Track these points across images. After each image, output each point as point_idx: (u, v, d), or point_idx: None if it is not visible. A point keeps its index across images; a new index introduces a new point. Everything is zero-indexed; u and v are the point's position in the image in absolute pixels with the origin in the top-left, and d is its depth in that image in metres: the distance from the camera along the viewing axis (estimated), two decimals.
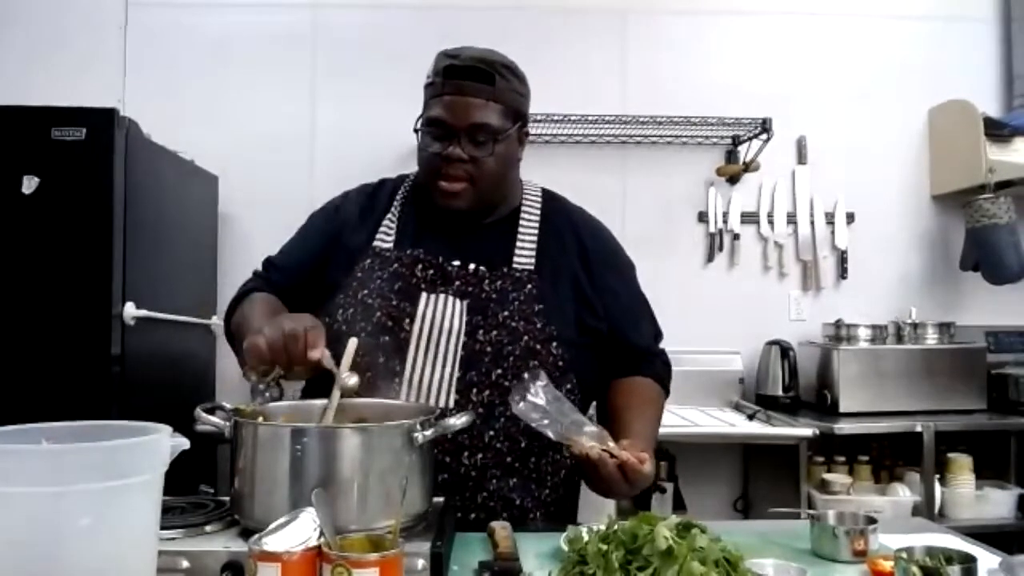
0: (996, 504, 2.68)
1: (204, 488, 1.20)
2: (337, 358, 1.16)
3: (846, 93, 3.22)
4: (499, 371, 1.27)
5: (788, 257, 3.20)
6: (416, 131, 1.37)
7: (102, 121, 2.18)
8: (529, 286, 1.33)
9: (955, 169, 3.09)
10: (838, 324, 2.93)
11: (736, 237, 3.17)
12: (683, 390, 2.95)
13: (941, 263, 3.22)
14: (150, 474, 0.79)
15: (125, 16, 3.09)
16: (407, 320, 1.28)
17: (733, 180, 3.16)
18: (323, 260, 1.40)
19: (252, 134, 3.05)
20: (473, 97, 1.31)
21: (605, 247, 1.48)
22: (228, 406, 1.10)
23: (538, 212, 1.43)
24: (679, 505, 2.69)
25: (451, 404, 1.25)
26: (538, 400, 1.15)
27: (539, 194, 1.48)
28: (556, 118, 2.90)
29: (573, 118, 2.92)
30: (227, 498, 1.08)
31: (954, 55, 3.25)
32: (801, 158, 3.21)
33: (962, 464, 2.70)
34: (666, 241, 3.16)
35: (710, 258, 3.17)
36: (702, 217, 3.18)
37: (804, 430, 2.48)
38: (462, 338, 1.28)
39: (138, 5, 3.09)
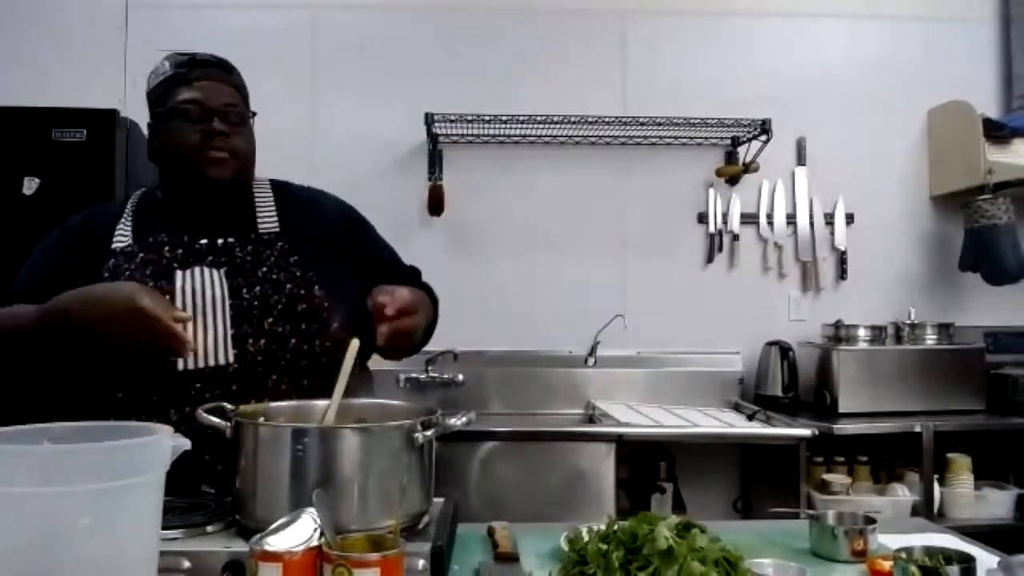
0: (995, 504, 2.69)
1: (205, 488, 1.21)
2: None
3: (846, 94, 3.22)
4: (271, 319, 1.34)
5: (788, 258, 3.20)
6: (154, 122, 1.43)
7: (103, 122, 2.19)
8: (279, 243, 1.42)
9: (954, 170, 3.09)
10: (837, 325, 2.93)
11: (736, 238, 3.17)
12: (683, 390, 3.00)
13: (940, 264, 3.22)
14: (151, 474, 0.79)
15: (125, 17, 3.09)
16: (167, 297, 1.30)
17: (733, 181, 3.17)
18: (62, 283, 1.37)
19: None
20: (220, 83, 1.41)
21: (339, 211, 1.57)
22: (229, 407, 1.10)
23: (269, 190, 1.51)
24: (679, 505, 2.70)
25: (231, 359, 1.31)
26: None
27: (266, 179, 1.56)
28: (556, 119, 2.91)
29: (573, 119, 2.92)
30: (228, 498, 1.08)
31: (954, 56, 3.26)
32: (800, 159, 3.22)
33: (961, 464, 2.70)
34: (666, 242, 3.16)
35: (710, 259, 3.17)
36: (702, 218, 3.18)
37: (803, 430, 2.48)
38: (227, 300, 1.33)
39: (138, 6, 3.09)
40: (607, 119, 2.94)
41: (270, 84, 3.10)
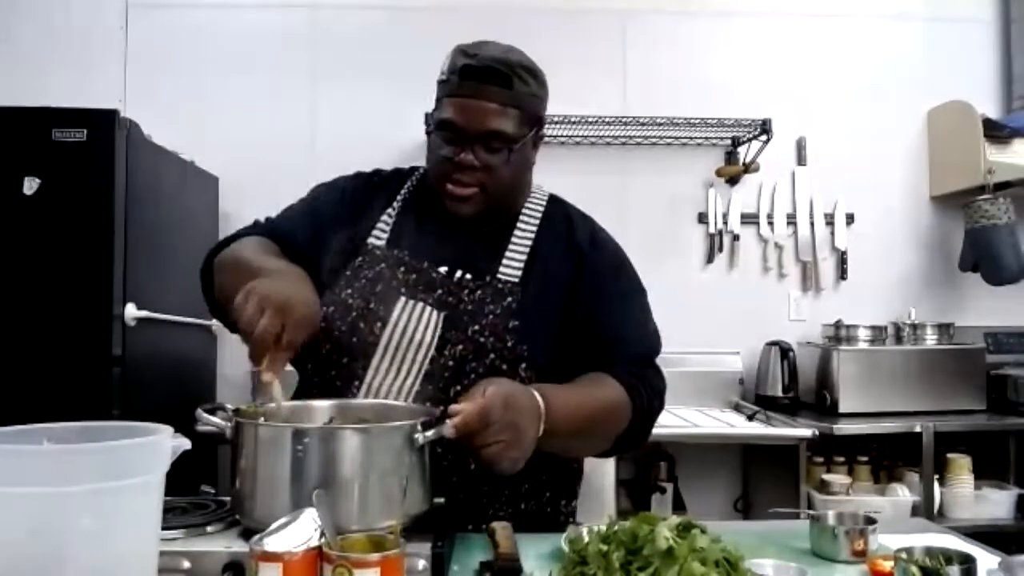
0: (995, 504, 2.69)
1: (205, 488, 1.21)
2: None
3: (846, 94, 3.22)
4: (458, 388, 1.21)
5: (788, 258, 3.20)
6: (428, 132, 1.33)
7: (103, 122, 2.18)
8: (509, 299, 1.26)
9: (954, 170, 3.10)
10: (838, 325, 2.93)
11: (736, 238, 3.17)
12: (683, 391, 2.98)
13: (940, 264, 3.22)
14: (151, 475, 0.79)
15: (125, 17, 3.09)
16: (379, 324, 1.24)
17: (733, 181, 3.17)
18: (323, 238, 1.35)
19: (252, 134, 3.05)
20: (488, 101, 1.24)
21: (606, 264, 1.38)
22: (229, 406, 1.10)
23: (537, 220, 1.37)
24: (679, 505, 2.70)
25: None
26: None
27: (543, 201, 1.41)
28: (556, 119, 2.90)
29: (573, 119, 2.92)
30: (228, 498, 1.08)
31: (954, 56, 3.26)
32: (801, 159, 3.22)
33: (961, 464, 2.70)
34: (666, 242, 3.16)
35: (710, 259, 3.17)
36: (702, 218, 3.18)
37: (803, 430, 2.48)
38: (431, 352, 1.23)
39: (138, 6, 3.09)
40: (607, 119, 2.94)
41: (270, 84, 3.13)
